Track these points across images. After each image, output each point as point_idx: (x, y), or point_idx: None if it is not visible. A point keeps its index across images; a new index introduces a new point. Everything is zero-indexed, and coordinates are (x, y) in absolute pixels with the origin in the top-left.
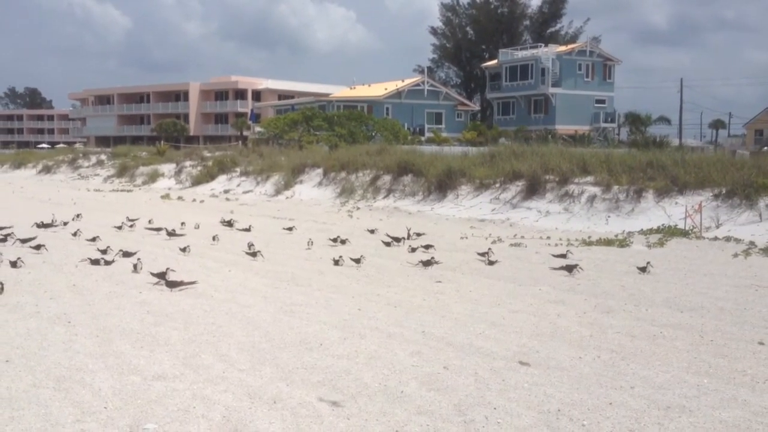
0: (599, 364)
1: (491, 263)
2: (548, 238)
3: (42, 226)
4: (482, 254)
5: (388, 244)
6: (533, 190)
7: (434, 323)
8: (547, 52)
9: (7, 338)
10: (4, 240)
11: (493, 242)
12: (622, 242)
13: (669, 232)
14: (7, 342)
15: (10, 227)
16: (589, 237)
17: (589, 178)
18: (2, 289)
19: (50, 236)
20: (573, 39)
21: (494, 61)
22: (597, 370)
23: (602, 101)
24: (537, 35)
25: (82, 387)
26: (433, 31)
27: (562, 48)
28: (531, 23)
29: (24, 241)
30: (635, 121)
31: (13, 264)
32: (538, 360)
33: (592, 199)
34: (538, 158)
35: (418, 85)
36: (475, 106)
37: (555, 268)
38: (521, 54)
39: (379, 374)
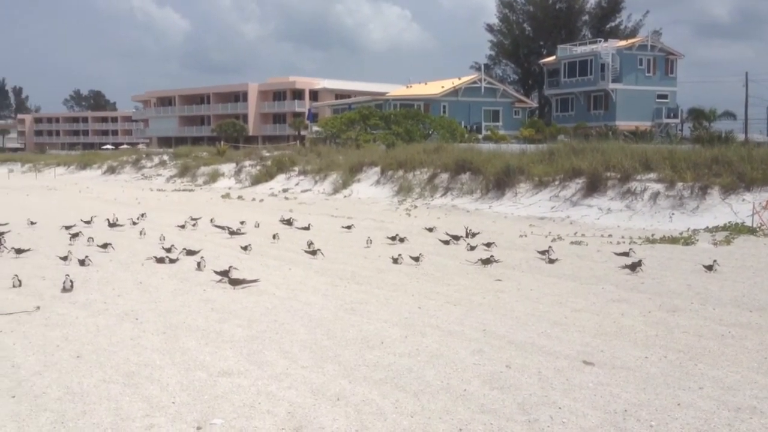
0: (666, 364)
1: (552, 261)
2: (610, 236)
3: (112, 225)
4: (542, 252)
5: (446, 243)
6: (594, 187)
7: (495, 322)
8: (606, 47)
9: (78, 335)
10: (73, 236)
11: (553, 240)
12: (687, 240)
13: (736, 230)
14: (78, 338)
15: (72, 225)
16: (653, 235)
17: (652, 175)
18: (72, 286)
19: (116, 235)
20: (633, 33)
21: (552, 57)
22: (664, 370)
23: (664, 96)
24: (596, 30)
25: (150, 382)
26: (490, 28)
27: (622, 43)
28: (590, 18)
29: (90, 239)
30: (699, 116)
31: (82, 262)
32: (603, 359)
33: (655, 196)
34: (599, 155)
35: (474, 82)
36: (533, 103)
37: (620, 267)
38: (580, 49)
39: (441, 372)
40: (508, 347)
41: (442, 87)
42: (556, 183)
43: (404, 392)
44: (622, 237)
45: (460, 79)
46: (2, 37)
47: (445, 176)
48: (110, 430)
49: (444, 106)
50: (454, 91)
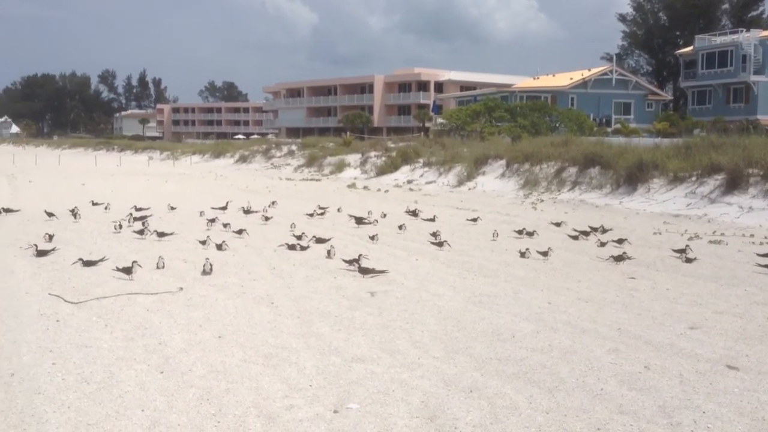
0: None
1: (689, 261)
2: (752, 235)
3: (247, 212)
4: (678, 251)
5: (575, 238)
6: (734, 184)
7: (630, 321)
8: (748, 38)
9: (219, 316)
10: (210, 222)
11: (690, 239)
12: None
13: None
14: (219, 319)
15: (202, 213)
16: None
17: None
18: (211, 269)
19: (249, 222)
20: None
21: (689, 48)
22: None
23: None
24: (736, 20)
25: (288, 365)
26: (622, 18)
27: (766, 33)
28: (730, 7)
29: (225, 225)
30: None
31: (219, 247)
32: (748, 365)
33: None
34: (740, 150)
35: (605, 74)
36: (667, 96)
37: (763, 267)
38: (720, 40)
39: (575, 370)
40: (645, 347)
41: (571, 78)
42: (693, 179)
43: (538, 388)
44: (766, 237)
45: (589, 70)
46: (144, 31)
47: (573, 170)
48: (252, 408)
49: (572, 99)
50: (583, 83)
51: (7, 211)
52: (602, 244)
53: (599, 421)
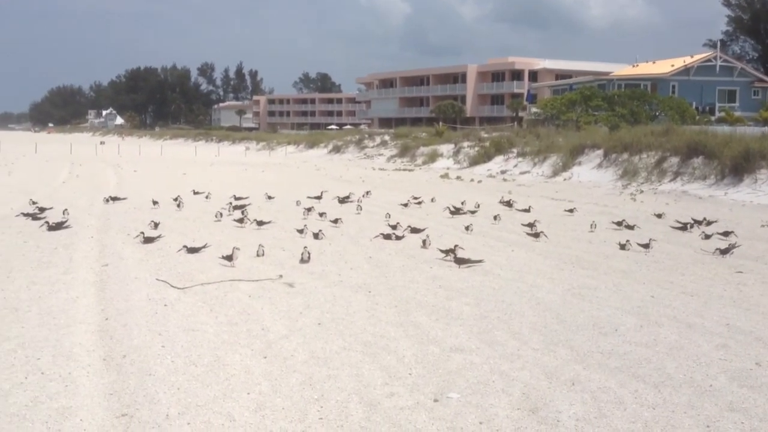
0: None
1: None
2: None
3: (342, 201)
4: None
5: (683, 229)
6: None
7: (739, 316)
8: None
9: (317, 303)
10: (307, 211)
11: None
12: None
13: None
14: (318, 306)
15: (298, 200)
16: None
17: None
18: (309, 258)
19: (344, 211)
20: None
21: None
22: None
23: None
24: None
25: (387, 353)
26: (727, 3)
27: None
28: None
29: (322, 214)
30: None
31: (316, 236)
32: None
33: None
34: None
35: (709, 60)
36: None
37: None
38: None
39: (682, 365)
40: (756, 344)
41: (672, 66)
42: None
43: (643, 383)
44: None
45: (692, 57)
46: (240, 25)
47: (674, 160)
48: (354, 395)
49: (673, 86)
50: (685, 70)
51: (115, 199)
52: (707, 237)
53: (708, 418)
